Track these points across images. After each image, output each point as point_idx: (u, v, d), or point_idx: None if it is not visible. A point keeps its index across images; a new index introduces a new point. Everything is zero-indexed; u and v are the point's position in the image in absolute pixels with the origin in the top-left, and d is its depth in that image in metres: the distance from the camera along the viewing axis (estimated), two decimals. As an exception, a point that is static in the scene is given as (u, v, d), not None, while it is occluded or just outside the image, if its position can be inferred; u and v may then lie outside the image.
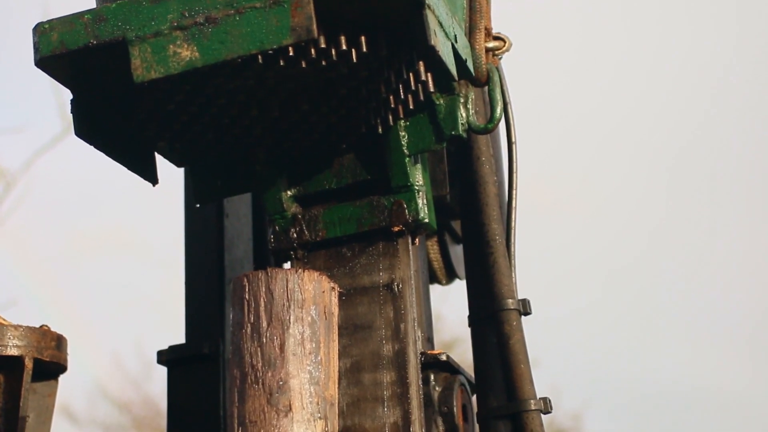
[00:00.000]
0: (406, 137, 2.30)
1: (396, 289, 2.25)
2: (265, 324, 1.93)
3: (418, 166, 2.34)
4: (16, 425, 2.39)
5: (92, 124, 2.12)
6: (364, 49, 2.03)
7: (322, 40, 1.97)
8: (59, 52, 1.97)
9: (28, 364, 2.40)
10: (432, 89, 2.17)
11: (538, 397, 2.33)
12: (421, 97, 2.21)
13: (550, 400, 2.34)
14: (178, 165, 2.38)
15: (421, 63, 2.12)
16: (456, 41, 2.14)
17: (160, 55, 1.93)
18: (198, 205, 2.42)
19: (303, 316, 1.95)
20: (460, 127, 2.28)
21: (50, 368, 2.46)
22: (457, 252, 2.97)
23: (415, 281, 2.28)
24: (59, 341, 2.47)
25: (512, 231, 2.45)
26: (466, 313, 2.47)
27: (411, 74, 2.14)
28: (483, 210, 2.45)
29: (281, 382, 1.90)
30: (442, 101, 2.26)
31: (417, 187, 2.31)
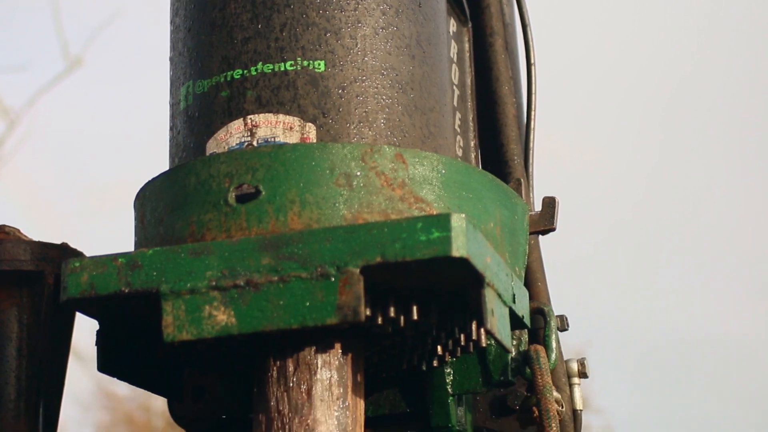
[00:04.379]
0: (452, 376, 2.17)
1: None
2: (291, 368, 1.85)
3: (462, 406, 2.20)
4: (37, 340, 2.35)
5: (117, 359, 1.99)
6: (415, 317, 1.88)
7: (368, 310, 1.83)
8: (88, 296, 1.83)
9: (50, 279, 2.35)
10: (484, 345, 2.02)
11: (555, 314, 2.29)
12: (471, 350, 2.06)
13: (567, 318, 2.32)
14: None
15: (474, 323, 1.98)
16: (514, 302, 1.99)
17: (194, 315, 1.79)
18: None
19: (330, 360, 1.87)
20: (510, 374, 2.14)
21: None
22: None
23: None
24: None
25: (530, 151, 2.42)
26: None
27: (463, 335, 1.99)
28: (501, 130, 2.43)
29: (309, 430, 1.83)
30: (493, 343, 2.11)
31: (458, 428, 2.17)
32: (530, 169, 2.42)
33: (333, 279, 1.76)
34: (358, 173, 1.86)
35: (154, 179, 1.97)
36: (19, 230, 2.47)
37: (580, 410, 2.32)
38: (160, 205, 1.94)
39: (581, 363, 2.33)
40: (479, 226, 1.95)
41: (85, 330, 2.48)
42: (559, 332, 2.30)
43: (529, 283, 2.32)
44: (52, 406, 2.49)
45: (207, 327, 1.78)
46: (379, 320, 1.85)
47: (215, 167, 1.88)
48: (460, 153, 2.29)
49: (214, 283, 1.79)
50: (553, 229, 2.21)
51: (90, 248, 2.45)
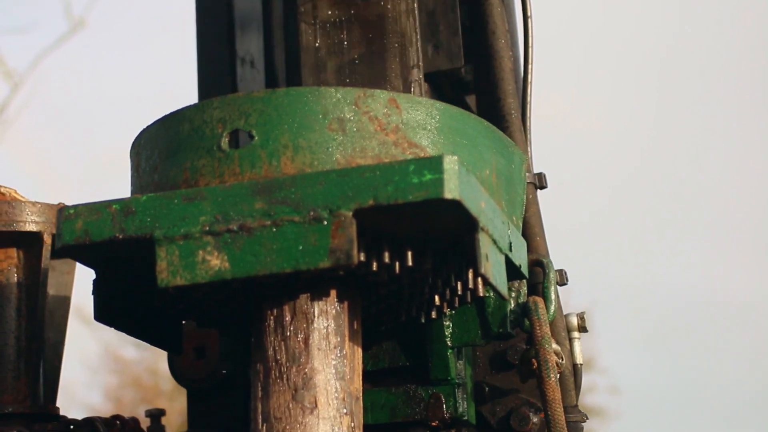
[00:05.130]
0: (451, 329, 2.16)
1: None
2: (288, 317, 1.85)
3: (461, 359, 2.19)
4: (36, 301, 2.38)
5: (113, 307, 1.99)
6: (410, 263, 1.87)
7: (362, 255, 1.82)
8: (82, 242, 1.83)
9: (47, 239, 2.40)
10: (481, 294, 2.02)
11: (554, 268, 2.28)
12: (469, 300, 2.06)
13: (565, 272, 2.33)
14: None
15: (470, 272, 1.97)
16: (511, 250, 1.98)
17: (188, 260, 1.79)
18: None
19: (327, 308, 1.87)
20: (509, 325, 2.13)
21: None
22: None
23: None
24: None
25: (528, 105, 2.41)
26: None
27: (459, 282, 1.99)
28: (498, 84, 2.42)
29: (306, 378, 1.83)
30: (491, 294, 2.11)
31: (458, 381, 2.16)
32: (528, 123, 2.41)
33: (325, 223, 1.75)
34: (351, 118, 1.86)
35: (148, 127, 1.97)
36: (15, 191, 2.47)
37: (581, 364, 2.31)
38: (155, 153, 1.94)
39: (581, 317, 2.32)
40: (474, 173, 1.94)
41: (91, 298, 2.48)
42: (559, 288, 2.30)
43: (527, 238, 2.31)
44: (53, 366, 2.49)
45: (201, 272, 1.78)
46: (374, 266, 1.85)
47: (208, 113, 1.88)
48: None
49: (207, 228, 1.79)
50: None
51: None
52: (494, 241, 1.88)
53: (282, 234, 1.77)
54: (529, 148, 2.43)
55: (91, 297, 1.98)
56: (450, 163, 1.73)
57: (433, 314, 2.10)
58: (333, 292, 1.89)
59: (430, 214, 1.78)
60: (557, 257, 2.38)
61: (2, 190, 2.47)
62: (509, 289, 2.12)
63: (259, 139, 1.84)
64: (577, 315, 2.32)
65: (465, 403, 2.18)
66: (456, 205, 1.74)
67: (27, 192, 2.53)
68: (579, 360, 2.31)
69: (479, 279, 1.99)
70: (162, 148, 1.92)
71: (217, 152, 1.86)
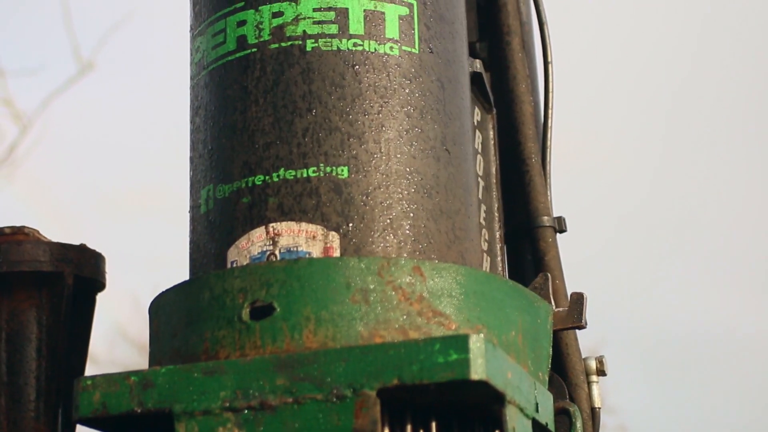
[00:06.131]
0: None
1: None
2: None
3: None
4: (56, 341, 2.39)
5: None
6: (434, 433, 1.83)
7: (386, 429, 1.78)
8: (100, 415, 1.80)
9: (69, 280, 2.40)
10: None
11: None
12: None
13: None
14: None
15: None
16: (537, 410, 1.93)
17: (208, 437, 1.75)
18: None
19: None
20: None
21: (89, 285, 2.48)
22: None
23: None
24: (98, 259, 2.49)
25: (548, 150, 2.43)
26: None
27: (485, 444, 1.94)
28: (519, 129, 2.43)
29: None
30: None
31: None
32: (548, 168, 2.40)
33: (349, 401, 1.71)
34: (375, 288, 1.82)
35: (167, 291, 1.93)
36: (38, 231, 2.48)
37: (599, 408, 2.28)
38: (174, 318, 1.91)
39: (599, 361, 2.30)
40: (500, 336, 1.90)
41: (99, 339, 2.48)
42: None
43: None
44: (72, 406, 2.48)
45: (221, 450, 1.74)
46: (398, 436, 1.81)
47: (229, 282, 1.84)
48: (485, 247, 2.24)
49: (227, 404, 1.75)
50: (583, 327, 2.16)
51: (104, 253, 2.46)
52: (521, 409, 1.84)
53: (304, 412, 1.73)
54: (549, 192, 2.42)
55: (99, 342, 1.95)
56: (476, 342, 1.69)
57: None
58: None
59: (456, 390, 1.74)
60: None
61: (26, 230, 2.47)
62: None
63: (281, 311, 1.81)
64: (595, 359, 2.30)
65: None
66: (482, 384, 1.70)
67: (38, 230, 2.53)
68: (597, 404, 2.29)
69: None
70: (181, 314, 1.89)
71: (237, 323, 1.82)
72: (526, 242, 2.38)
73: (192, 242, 2.07)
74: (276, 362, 1.75)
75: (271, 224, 1.94)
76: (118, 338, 14.62)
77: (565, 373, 2.24)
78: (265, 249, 1.94)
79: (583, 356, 2.31)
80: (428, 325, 1.83)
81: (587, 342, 2.35)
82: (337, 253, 1.90)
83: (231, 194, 1.99)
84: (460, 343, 1.69)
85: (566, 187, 2.22)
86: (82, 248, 2.46)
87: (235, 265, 1.94)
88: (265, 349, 1.80)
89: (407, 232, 1.95)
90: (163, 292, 1.94)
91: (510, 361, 1.81)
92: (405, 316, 1.82)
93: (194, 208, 2.08)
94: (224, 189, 2.01)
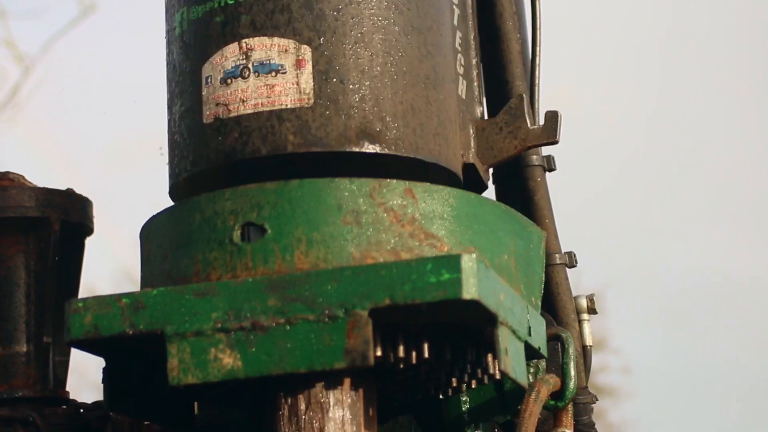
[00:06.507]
0: (468, 404, 2.12)
1: None
2: (303, 407, 1.81)
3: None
4: (44, 286, 2.39)
5: (125, 395, 1.95)
6: (426, 356, 1.83)
7: (378, 349, 1.78)
8: (91, 337, 1.79)
9: (55, 225, 2.40)
10: (498, 377, 1.98)
11: (563, 251, 2.28)
12: (486, 382, 2.02)
13: (575, 255, 2.30)
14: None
15: (489, 357, 1.93)
16: (530, 334, 1.93)
17: (200, 358, 1.75)
18: None
19: (343, 398, 1.82)
20: None
21: (76, 230, 2.48)
22: None
23: None
24: (85, 203, 2.48)
25: (536, 88, 2.36)
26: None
27: (478, 369, 1.94)
28: (506, 67, 2.39)
29: None
30: (510, 373, 2.06)
31: None
32: (536, 106, 2.33)
33: (341, 322, 1.71)
34: (366, 210, 1.81)
35: (158, 214, 1.92)
36: (23, 177, 2.47)
37: (590, 346, 2.28)
38: (165, 241, 1.90)
39: (590, 299, 2.29)
40: (492, 259, 1.90)
41: (104, 279, 2.49)
42: (568, 270, 2.28)
43: (537, 221, 2.26)
44: (62, 351, 2.49)
45: (213, 370, 1.74)
46: (390, 359, 1.81)
47: (220, 204, 1.84)
48: (461, 71, 2.19)
49: (219, 325, 1.75)
50: (556, 142, 2.15)
51: (104, 201, 2.46)
52: (513, 331, 1.84)
53: (296, 332, 1.73)
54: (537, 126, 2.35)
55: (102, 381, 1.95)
56: (468, 261, 1.68)
57: (450, 392, 2.06)
58: (348, 381, 1.85)
59: (448, 311, 1.73)
60: (566, 239, 2.35)
61: (10, 176, 2.46)
62: (528, 366, 2.07)
63: (273, 233, 1.80)
64: (586, 297, 2.29)
65: (482, 477, 2.14)
66: (474, 304, 1.70)
67: (38, 177, 2.53)
68: (589, 342, 2.28)
69: (497, 366, 1.95)
70: (172, 237, 1.88)
71: (229, 245, 1.82)
72: (515, 181, 2.35)
73: (168, 64, 2.07)
74: (268, 283, 1.74)
75: (243, 40, 1.95)
76: (123, 281, 14.64)
77: (555, 312, 2.24)
78: (238, 63, 1.94)
79: (574, 294, 2.31)
80: (420, 247, 1.83)
81: (591, 284, 2.34)
82: (309, 67, 1.91)
83: (204, 14, 1.99)
84: (452, 262, 1.69)
85: (564, 132, 2.19)
86: (69, 193, 2.44)
87: (209, 81, 1.95)
88: (256, 270, 1.80)
89: (378, 45, 1.95)
90: (153, 216, 1.94)
91: (502, 283, 1.80)
92: (397, 238, 1.82)
93: (169, 31, 2.08)
94: (197, 10, 2.00)
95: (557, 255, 2.27)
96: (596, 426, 2.24)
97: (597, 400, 2.25)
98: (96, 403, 2.41)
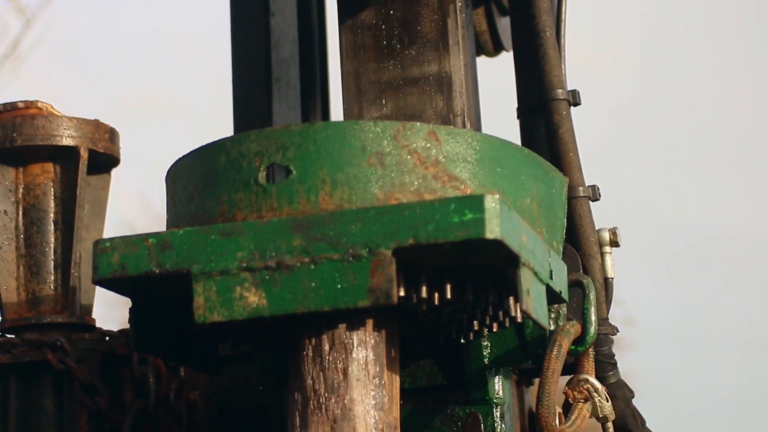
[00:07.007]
0: (489, 349, 2.14)
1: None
2: (327, 347, 1.84)
3: (499, 377, 2.17)
4: (72, 215, 2.42)
5: (151, 335, 1.98)
6: (449, 296, 1.85)
7: (401, 289, 1.80)
8: (119, 276, 1.82)
9: (84, 154, 2.43)
10: (520, 320, 1.99)
11: (587, 184, 2.29)
12: (507, 325, 2.04)
13: (598, 188, 2.32)
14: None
15: (511, 299, 1.95)
16: (552, 278, 1.95)
17: (225, 296, 1.77)
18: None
19: (366, 338, 1.85)
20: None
21: (104, 160, 2.51)
22: (503, 24, 2.90)
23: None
24: (112, 134, 2.51)
25: (563, 22, 2.39)
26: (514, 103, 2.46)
27: (500, 311, 1.96)
28: (533, 2, 2.38)
29: (346, 410, 1.82)
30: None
31: (496, 401, 2.15)
32: (562, 41, 2.35)
33: (365, 261, 1.73)
34: (390, 152, 1.83)
35: (184, 157, 1.95)
36: (52, 105, 2.49)
37: (612, 278, 2.29)
38: (191, 183, 1.92)
39: (613, 232, 2.30)
40: (515, 203, 1.91)
41: (107, 233, 2.53)
42: (591, 203, 2.29)
43: (561, 154, 2.29)
44: (89, 279, 2.51)
45: (238, 308, 1.77)
46: (413, 299, 1.83)
47: (245, 146, 1.86)
48: None
49: (245, 264, 1.77)
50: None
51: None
52: (535, 273, 1.85)
53: (320, 271, 1.75)
54: (563, 66, 2.38)
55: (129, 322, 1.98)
56: (491, 201, 1.70)
57: (472, 336, 2.08)
58: (371, 322, 1.87)
59: (471, 251, 1.75)
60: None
61: (39, 104, 2.48)
62: (549, 311, 2.09)
63: (297, 174, 1.82)
64: (609, 230, 2.31)
65: (503, 422, 2.16)
66: (497, 244, 1.71)
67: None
68: (610, 274, 2.29)
69: (519, 309, 1.96)
70: (198, 178, 1.90)
71: (254, 186, 1.84)
72: (540, 116, 2.36)
73: None
74: (293, 223, 1.76)
75: None
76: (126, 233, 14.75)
77: (578, 244, 2.25)
78: None
79: (597, 228, 2.32)
80: (443, 189, 1.84)
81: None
82: None
83: None
84: (475, 203, 1.70)
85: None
86: (97, 123, 2.47)
87: None
88: (281, 211, 1.82)
89: None
90: (179, 159, 1.96)
91: (525, 225, 1.82)
92: (420, 180, 1.84)
93: None
94: None
95: (581, 188, 2.27)
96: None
97: (618, 331, 2.27)
98: (122, 331, 2.44)
